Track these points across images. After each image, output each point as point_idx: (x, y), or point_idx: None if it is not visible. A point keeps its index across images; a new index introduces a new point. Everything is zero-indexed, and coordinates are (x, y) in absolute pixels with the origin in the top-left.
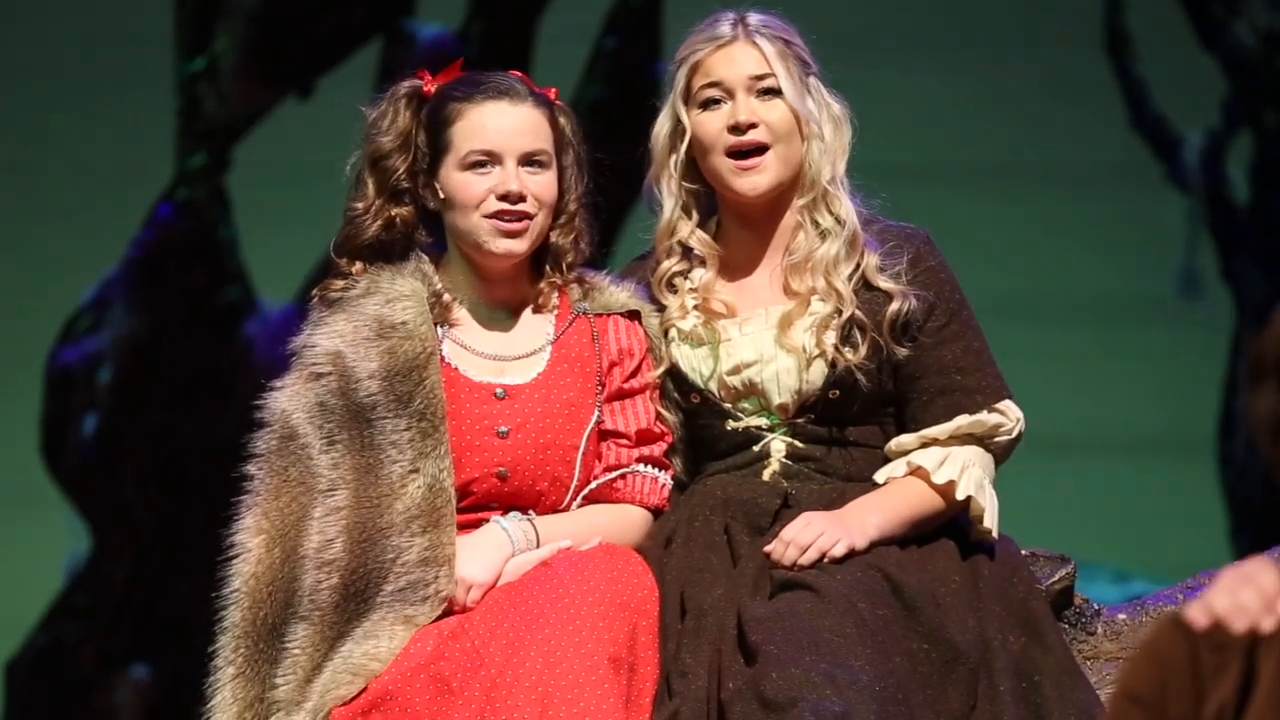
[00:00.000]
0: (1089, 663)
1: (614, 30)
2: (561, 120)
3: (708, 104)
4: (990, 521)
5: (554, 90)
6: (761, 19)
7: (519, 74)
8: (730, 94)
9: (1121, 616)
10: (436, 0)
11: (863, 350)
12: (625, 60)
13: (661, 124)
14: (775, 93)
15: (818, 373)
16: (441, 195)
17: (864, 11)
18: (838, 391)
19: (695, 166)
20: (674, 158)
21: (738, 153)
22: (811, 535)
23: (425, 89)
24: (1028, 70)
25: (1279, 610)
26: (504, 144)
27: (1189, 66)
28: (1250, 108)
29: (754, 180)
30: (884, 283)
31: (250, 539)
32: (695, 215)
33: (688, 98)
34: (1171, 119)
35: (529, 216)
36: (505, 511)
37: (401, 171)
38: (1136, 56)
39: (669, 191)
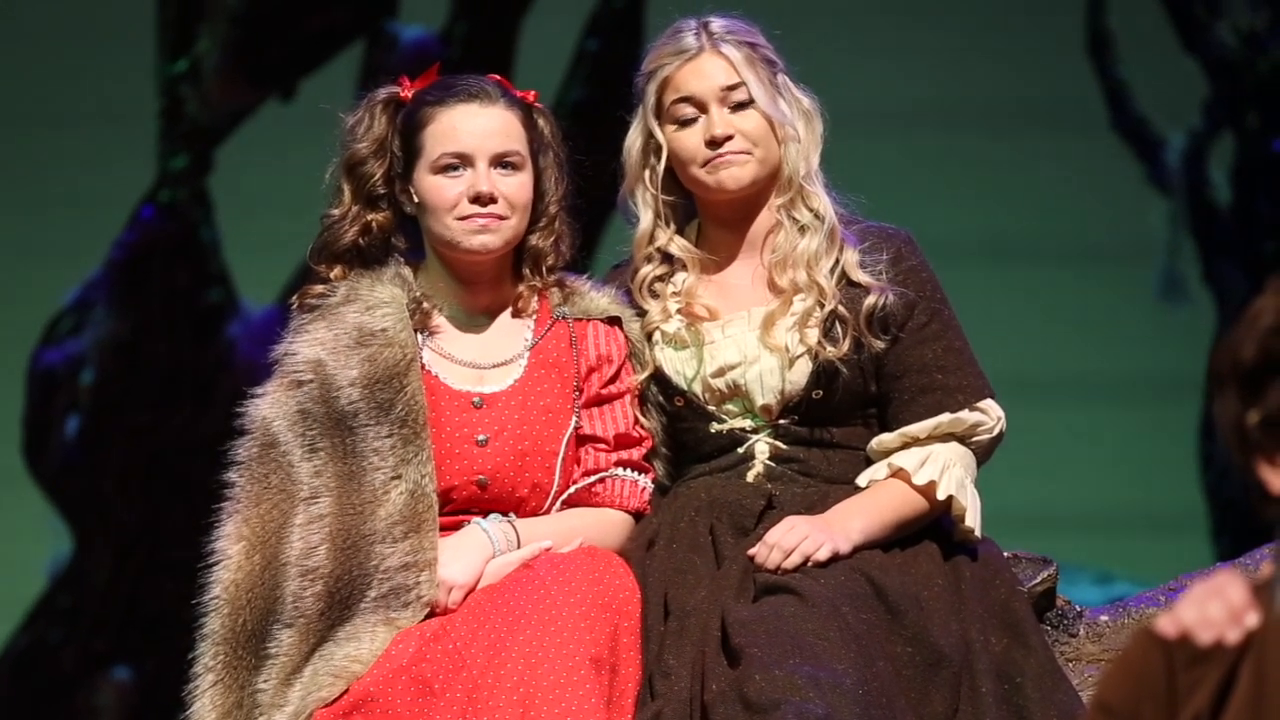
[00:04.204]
0: (1071, 664)
1: (596, 32)
2: (540, 123)
3: (682, 120)
4: (972, 520)
5: (533, 93)
6: (724, 24)
7: (497, 77)
8: (703, 108)
9: (1104, 618)
10: (419, 2)
11: (844, 345)
12: (607, 62)
13: (633, 139)
14: (747, 102)
15: (800, 373)
16: (416, 199)
17: (841, 14)
18: (821, 391)
19: (671, 177)
20: (648, 172)
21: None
22: (795, 539)
23: (402, 95)
24: (1013, 69)
25: (1245, 623)
26: (474, 146)
27: (1171, 68)
28: (1232, 109)
29: (734, 172)
30: (863, 277)
31: (230, 546)
32: (673, 225)
33: (660, 114)
34: (1153, 121)
35: (501, 218)
36: (486, 515)
37: (377, 177)
38: (1118, 58)
39: (645, 204)
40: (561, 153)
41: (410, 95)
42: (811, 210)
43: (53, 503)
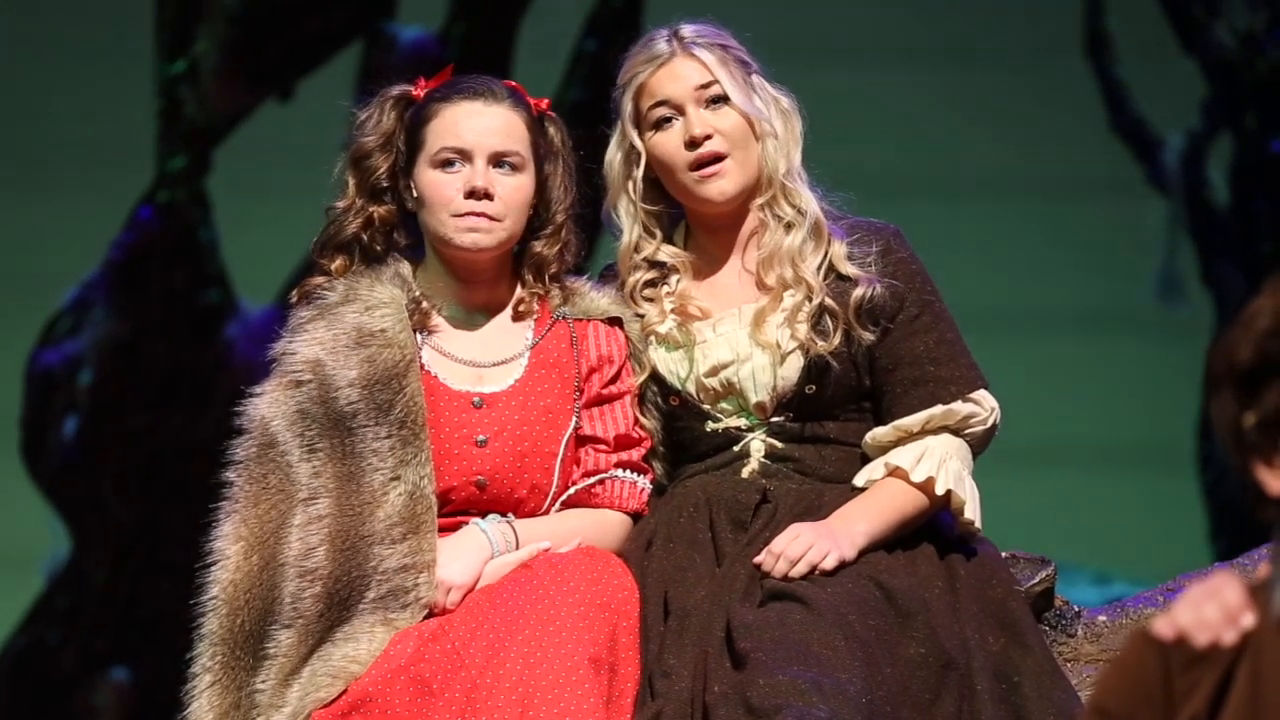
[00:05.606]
0: (1069, 664)
1: (594, 32)
2: (550, 130)
3: (659, 124)
4: (972, 513)
5: (545, 101)
6: (695, 29)
7: (512, 83)
8: (680, 110)
9: (1102, 618)
10: (417, 2)
11: (835, 339)
12: (606, 62)
13: (614, 152)
14: (723, 99)
15: (792, 368)
16: (415, 194)
17: (842, 17)
18: (813, 386)
19: (653, 187)
20: (630, 183)
21: (699, 165)
22: (801, 548)
23: (414, 93)
24: (1009, 73)
25: (1241, 624)
26: (474, 142)
27: (1169, 69)
28: (1230, 110)
29: (720, 185)
30: (850, 269)
31: (229, 546)
32: (659, 234)
33: (638, 121)
34: (1151, 121)
35: (494, 219)
36: (484, 515)
37: (382, 171)
38: (1116, 59)
39: (628, 214)
40: (571, 162)
41: (422, 94)
42: (794, 207)
43: (51, 503)
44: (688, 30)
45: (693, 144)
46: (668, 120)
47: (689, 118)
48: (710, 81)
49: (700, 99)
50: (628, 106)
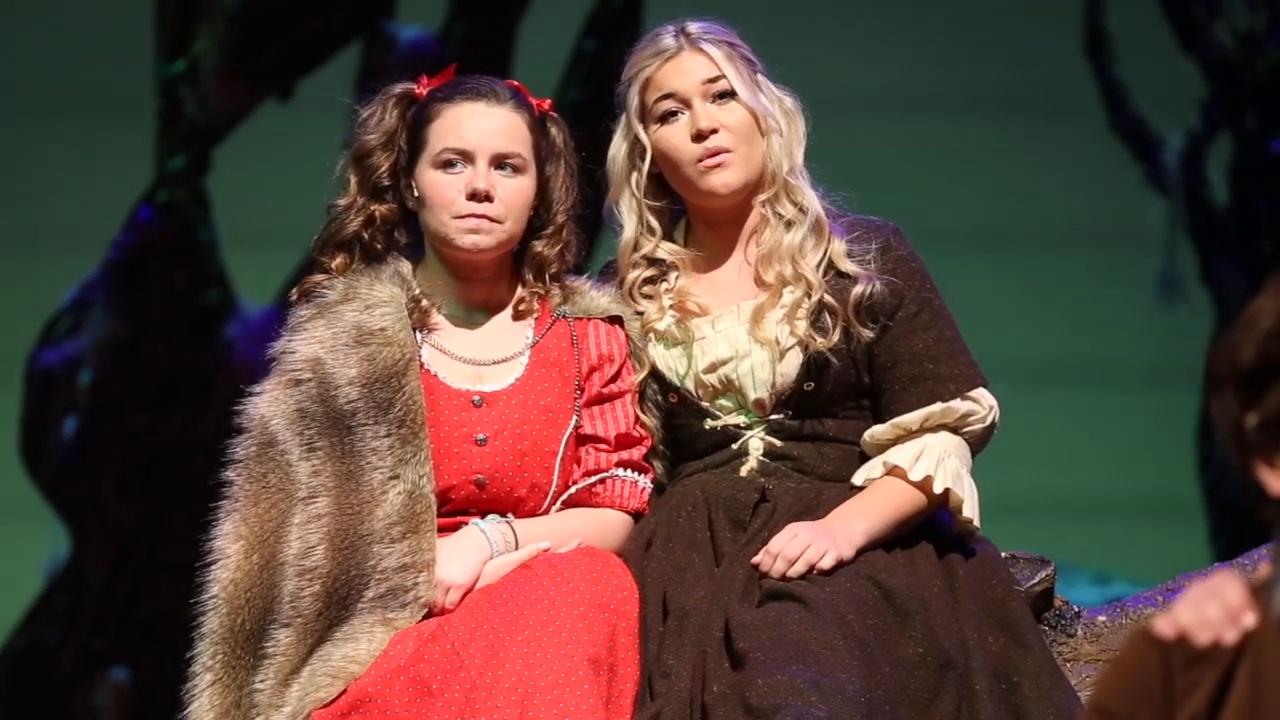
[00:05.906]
0: (1069, 664)
1: (594, 32)
2: (552, 131)
3: (665, 117)
4: (970, 511)
5: (548, 101)
6: (702, 26)
7: (515, 83)
8: (686, 103)
9: (1102, 618)
10: (417, 2)
11: (834, 336)
12: (605, 62)
13: (618, 145)
14: (729, 95)
15: (791, 364)
16: (416, 194)
17: (841, 13)
18: (812, 383)
19: (656, 183)
20: (634, 177)
21: (704, 158)
22: (799, 548)
23: (417, 92)
24: (1008, 71)
25: (1242, 623)
26: (476, 143)
27: (1169, 68)
28: (1230, 110)
29: (723, 177)
30: (850, 266)
31: (229, 545)
32: (659, 231)
33: (644, 115)
34: (1151, 121)
35: (494, 220)
36: (484, 515)
37: (384, 169)
38: (1116, 58)
39: (630, 210)
40: (574, 163)
41: (424, 93)
42: (796, 204)
43: (51, 503)
44: (694, 27)
45: (699, 137)
46: (674, 114)
47: (695, 111)
48: (717, 76)
49: (707, 93)
50: (633, 101)
